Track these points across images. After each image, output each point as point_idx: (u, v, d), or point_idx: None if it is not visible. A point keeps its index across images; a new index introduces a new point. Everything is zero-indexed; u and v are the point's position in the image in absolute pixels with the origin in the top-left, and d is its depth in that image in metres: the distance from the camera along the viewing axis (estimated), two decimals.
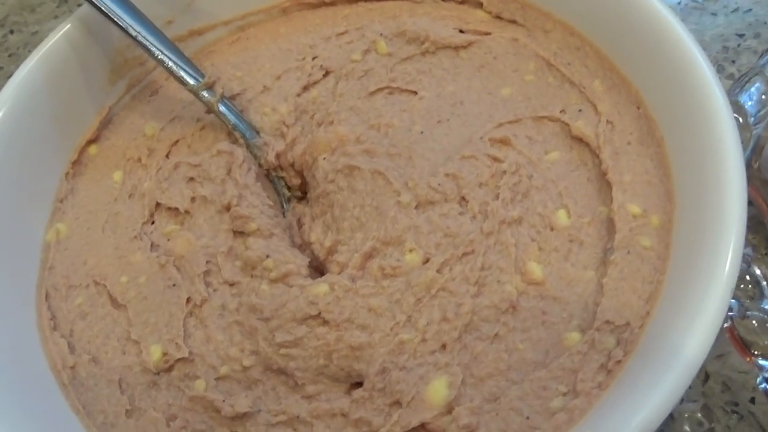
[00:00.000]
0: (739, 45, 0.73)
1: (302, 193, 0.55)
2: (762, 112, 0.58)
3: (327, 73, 0.57)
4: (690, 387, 0.54)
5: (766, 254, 0.56)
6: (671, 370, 0.34)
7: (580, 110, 0.50)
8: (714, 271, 0.37)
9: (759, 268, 0.50)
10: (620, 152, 0.47)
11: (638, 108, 0.48)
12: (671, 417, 0.53)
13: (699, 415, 0.53)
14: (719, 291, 0.36)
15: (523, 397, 0.40)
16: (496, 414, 0.39)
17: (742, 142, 0.56)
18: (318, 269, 0.49)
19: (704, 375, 0.54)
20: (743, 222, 0.38)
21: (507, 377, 0.41)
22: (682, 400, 0.53)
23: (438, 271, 0.43)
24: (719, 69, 0.72)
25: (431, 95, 0.54)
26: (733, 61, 0.71)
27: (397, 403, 0.40)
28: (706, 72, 0.44)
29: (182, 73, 0.54)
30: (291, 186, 0.54)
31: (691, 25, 0.76)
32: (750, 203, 0.56)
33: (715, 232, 0.38)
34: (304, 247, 0.50)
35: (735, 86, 0.60)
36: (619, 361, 0.39)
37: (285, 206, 0.53)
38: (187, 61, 0.54)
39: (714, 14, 0.76)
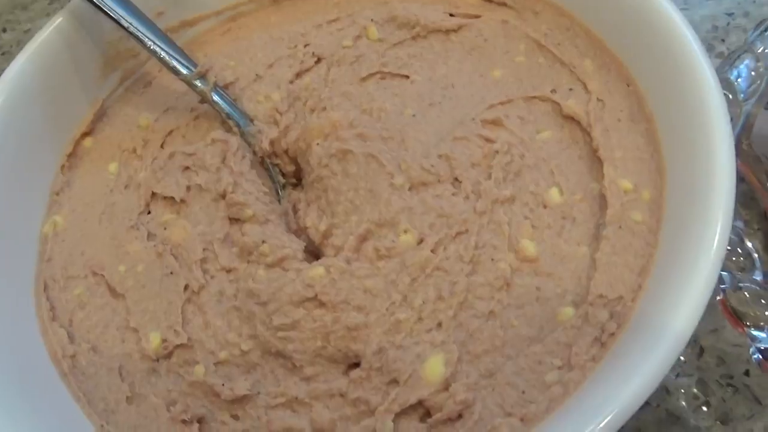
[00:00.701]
0: (728, 24, 0.73)
1: (297, 180, 0.55)
2: (752, 88, 0.58)
3: (319, 60, 0.57)
4: (685, 361, 0.55)
5: (758, 229, 0.57)
6: (661, 342, 0.35)
7: (570, 89, 0.50)
8: (703, 243, 0.37)
9: (751, 242, 0.50)
10: (611, 129, 0.47)
11: (628, 85, 0.48)
12: (667, 391, 0.53)
13: (694, 389, 0.54)
14: (708, 263, 0.36)
15: (519, 372, 0.40)
16: (492, 389, 0.40)
17: (732, 119, 0.56)
18: (314, 253, 0.49)
19: (699, 349, 0.55)
20: (732, 195, 0.38)
21: (502, 353, 0.41)
22: (677, 375, 0.54)
23: (432, 251, 0.44)
24: (709, 48, 0.72)
25: (423, 79, 0.54)
26: (723, 40, 0.72)
27: (395, 382, 0.41)
28: (695, 48, 0.44)
29: (175, 63, 0.54)
30: (286, 173, 0.55)
31: (680, 5, 0.76)
32: (742, 179, 0.57)
33: (705, 205, 0.39)
34: (299, 232, 0.50)
35: (725, 63, 0.61)
36: (612, 334, 0.39)
37: (280, 193, 0.54)
38: (180, 51, 0.55)
39: None
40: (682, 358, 0.55)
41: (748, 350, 0.53)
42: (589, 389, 0.37)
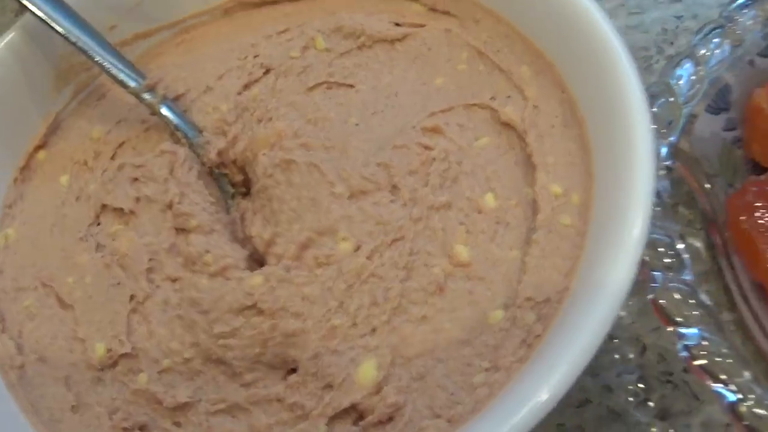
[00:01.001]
0: (677, 27, 0.74)
1: (247, 189, 0.56)
2: (692, 92, 0.59)
3: (267, 71, 0.58)
4: (629, 359, 0.56)
5: (700, 228, 0.58)
6: (577, 343, 0.36)
7: (508, 96, 0.51)
8: (622, 246, 0.38)
9: (693, 241, 0.52)
10: (545, 135, 0.48)
11: (562, 92, 0.50)
12: (609, 389, 0.55)
13: (637, 386, 0.55)
14: (625, 264, 0.37)
15: (449, 375, 0.41)
16: (422, 392, 0.41)
17: (672, 122, 0.58)
18: (260, 262, 0.50)
19: (642, 347, 0.56)
20: (649, 198, 0.40)
21: (434, 356, 0.42)
22: (619, 373, 0.55)
23: (368, 257, 0.45)
24: (659, 51, 0.74)
25: (367, 88, 0.55)
26: (672, 43, 0.73)
27: (329, 386, 0.42)
28: (621, 56, 0.45)
29: (123, 76, 0.55)
30: (235, 182, 0.56)
31: (632, 9, 0.78)
32: (683, 181, 0.58)
33: (625, 208, 0.40)
34: (246, 241, 0.51)
35: (667, 67, 0.62)
36: (538, 336, 0.40)
37: (230, 202, 0.55)
38: (128, 64, 0.56)
39: None
40: (631, 355, 0.57)
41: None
42: (513, 390, 0.38)
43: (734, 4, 0.63)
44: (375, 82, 0.55)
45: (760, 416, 0.42)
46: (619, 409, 0.54)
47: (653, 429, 0.53)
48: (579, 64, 0.48)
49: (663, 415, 0.53)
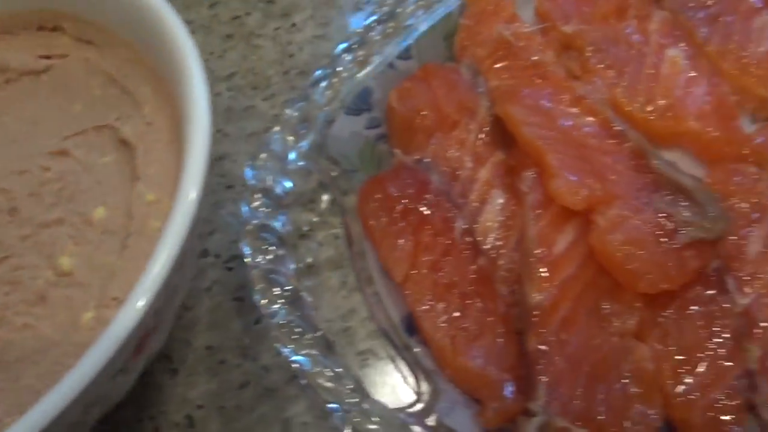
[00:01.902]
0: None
1: None
2: (329, 97, 0.67)
3: None
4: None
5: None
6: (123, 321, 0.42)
7: (129, 116, 0.57)
8: (164, 246, 0.44)
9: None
10: (152, 149, 0.54)
11: (172, 109, 0.55)
12: (266, 369, 0.61)
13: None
14: (158, 266, 0.44)
15: (40, 376, 0.46)
16: (14, 393, 0.45)
17: (308, 124, 0.64)
18: None
19: None
20: (194, 202, 0.46)
21: (31, 360, 0.47)
22: (277, 353, 0.61)
23: None
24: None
25: (11, 119, 0.59)
26: None
27: None
28: (198, 85, 0.52)
29: None
30: None
31: (320, 20, 0.85)
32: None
33: (180, 209, 0.46)
34: None
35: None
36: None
37: None
38: None
39: None
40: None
41: None
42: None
43: (369, 20, 0.71)
44: (19, 113, 0.59)
45: (325, 377, 0.49)
46: (274, 386, 0.61)
47: (300, 401, 0.60)
48: (179, 86, 0.54)
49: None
